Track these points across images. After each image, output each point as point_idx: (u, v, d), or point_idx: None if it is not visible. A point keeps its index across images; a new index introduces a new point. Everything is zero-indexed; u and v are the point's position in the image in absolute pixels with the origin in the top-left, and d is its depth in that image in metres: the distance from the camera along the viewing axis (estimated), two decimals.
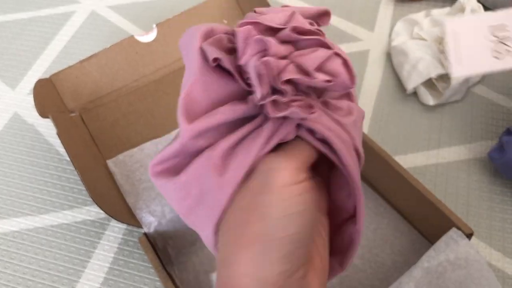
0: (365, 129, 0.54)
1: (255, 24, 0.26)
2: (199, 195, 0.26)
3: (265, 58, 0.24)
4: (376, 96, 0.58)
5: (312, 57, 0.25)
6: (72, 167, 0.54)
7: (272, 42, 0.24)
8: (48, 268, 0.47)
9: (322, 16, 0.29)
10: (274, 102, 0.25)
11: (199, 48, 0.26)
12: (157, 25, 0.59)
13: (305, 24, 0.26)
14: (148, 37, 0.58)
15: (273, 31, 0.26)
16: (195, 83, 0.26)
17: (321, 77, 0.24)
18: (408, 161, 0.51)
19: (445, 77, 0.56)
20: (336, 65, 0.25)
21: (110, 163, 0.50)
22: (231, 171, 0.25)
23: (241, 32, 0.25)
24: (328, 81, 0.25)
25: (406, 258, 0.44)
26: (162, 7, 0.73)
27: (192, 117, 0.25)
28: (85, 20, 0.72)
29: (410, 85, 0.56)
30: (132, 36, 0.57)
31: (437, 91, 0.56)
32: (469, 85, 0.57)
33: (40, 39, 0.70)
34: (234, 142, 0.25)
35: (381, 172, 0.46)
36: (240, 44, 0.25)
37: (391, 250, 0.45)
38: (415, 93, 0.57)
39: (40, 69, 0.66)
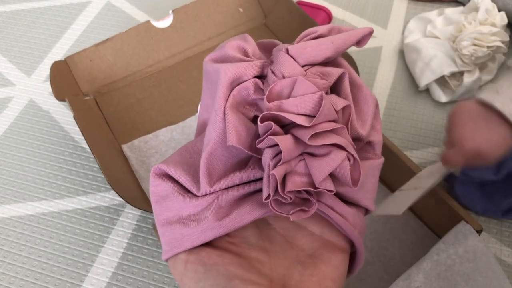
0: None
1: (277, 118, 0.26)
2: (186, 218, 0.28)
3: (273, 171, 0.25)
4: (389, 91, 0.58)
5: (323, 166, 0.25)
6: (86, 154, 0.55)
7: (284, 147, 0.25)
8: (63, 251, 0.48)
9: (367, 36, 0.30)
10: (277, 200, 0.26)
11: (223, 111, 0.27)
12: (173, 11, 0.59)
13: (331, 111, 0.26)
14: (164, 23, 0.58)
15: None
16: (217, 145, 0.27)
17: (323, 186, 0.25)
18: (419, 156, 0.52)
19: (457, 75, 0.57)
20: (343, 171, 0.26)
21: (125, 148, 0.51)
22: (228, 221, 0.27)
23: (261, 127, 0.26)
24: (330, 191, 0.26)
25: (414, 253, 0.45)
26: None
27: (212, 179, 0.27)
28: (100, 11, 0.73)
29: (422, 82, 0.56)
30: (148, 21, 0.58)
31: (449, 88, 0.57)
32: (481, 83, 0.57)
33: (55, 28, 0.71)
34: (245, 193, 0.27)
35: (392, 167, 0.46)
36: (260, 132, 0.26)
37: (400, 245, 0.45)
38: (427, 90, 0.58)
39: (55, 57, 0.67)
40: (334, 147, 0.26)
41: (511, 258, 0.44)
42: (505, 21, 0.57)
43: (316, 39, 0.29)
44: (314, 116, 0.26)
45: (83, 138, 0.56)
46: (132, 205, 0.42)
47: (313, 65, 0.28)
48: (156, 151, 0.51)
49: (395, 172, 0.47)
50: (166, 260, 0.29)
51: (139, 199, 0.44)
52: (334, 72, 0.28)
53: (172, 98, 0.56)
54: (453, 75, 0.57)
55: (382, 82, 0.59)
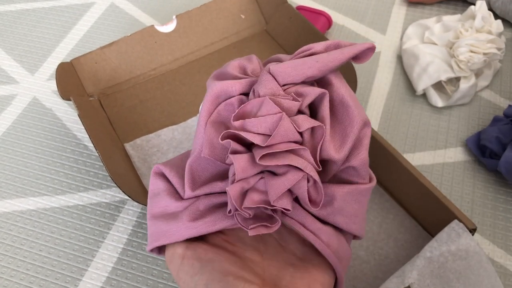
0: (375, 127, 0.56)
1: (239, 136, 0.27)
2: (168, 215, 0.30)
3: (227, 188, 0.26)
4: (387, 96, 0.59)
5: (278, 185, 0.26)
6: (88, 151, 0.56)
7: (238, 165, 0.26)
8: (64, 246, 0.48)
9: (366, 52, 0.30)
10: (240, 214, 0.27)
11: (205, 124, 0.28)
12: (176, 16, 0.60)
13: (290, 131, 0.27)
14: (167, 28, 0.60)
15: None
16: (198, 158, 0.29)
17: (279, 205, 0.26)
18: (415, 159, 0.53)
19: (454, 81, 0.58)
20: (301, 191, 0.26)
21: (127, 146, 0.52)
22: (201, 223, 0.28)
23: (225, 146, 0.27)
24: (286, 209, 0.26)
25: (409, 252, 0.46)
26: (180, 2, 0.75)
27: (195, 185, 0.29)
28: (104, 12, 0.74)
29: (419, 87, 0.57)
30: (152, 26, 0.59)
31: (445, 93, 0.58)
32: (477, 89, 0.58)
33: (59, 28, 0.72)
34: (223, 201, 0.29)
35: (388, 167, 0.47)
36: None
37: (395, 244, 0.46)
38: (424, 95, 0.59)
39: (59, 56, 0.68)
40: (292, 167, 0.26)
41: (503, 259, 0.45)
42: (501, 29, 0.58)
43: (310, 56, 0.30)
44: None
45: (85, 135, 0.57)
46: (133, 200, 0.43)
47: (295, 84, 0.29)
48: (158, 149, 0.52)
49: (391, 173, 0.48)
50: (151, 251, 0.31)
51: (140, 194, 0.45)
52: (312, 92, 0.28)
53: (175, 100, 0.57)
54: (450, 80, 0.58)
55: (380, 87, 0.60)
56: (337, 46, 0.30)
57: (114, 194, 0.52)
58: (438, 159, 0.53)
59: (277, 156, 0.26)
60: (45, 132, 0.58)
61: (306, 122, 0.27)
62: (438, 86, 0.58)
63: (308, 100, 0.28)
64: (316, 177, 0.26)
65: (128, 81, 0.58)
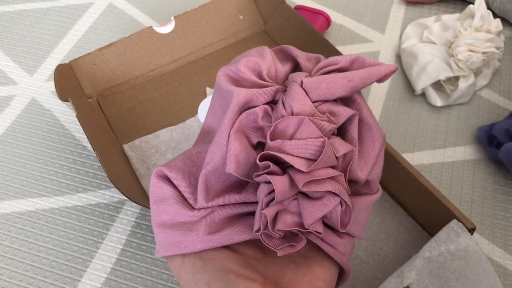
0: None
1: (277, 157, 0.26)
2: (179, 225, 0.29)
3: (264, 211, 0.25)
4: (386, 95, 0.59)
5: (315, 210, 0.26)
6: (87, 152, 0.56)
7: (279, 189, 0.25)
8: (63, 247, 0.48)
9: (387, 75, 0.29)
10: (267, 233, 0.27)
11: (228, 135, 0.27)
12: (175, 17, 0.60)
13: (332, 158, 0.26)
14: (166, 29, 0.60)
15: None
16: (218, 166, 0.28)
17: (313, 228, 0.26)
18: (414, 159, 0.53)
19: (453, 80, 0.58)
20: (334, 215, 0.27)
21: (126, 147, 0.52)
22: (218, 237, 0.27)
23: (260, 166, 0.27)
24: (318, 232, 0.27)
25: (408, 252, 0.46)
26: (178, 2, 0.75)
27: (209, 196, 0.28)
28: (102, 12, 0.74)
29: (418, 86, 0.57)
30: (150, 27, 0.59)
31: (445, 92, 0.58)
32: (476, 88, 0.58)
33: (58, 28, 0.72)
34: (239, 212, 0.28)
35: (387, 167, 0.47)
36: (259, 167, 0.27)
37: (394, 244, 0.46)
38: (423, 94, 0.59)
39: (58, 57, 0.68)
40: (328, 192, 0.26)
41: (502, 259, 0.45)
42: (500, 27, 0.58)
43: (336, 71, 0.29)
44: (313, 160, 0.26)
45: (84, 136, 0.57)
46: (132, 201, 0.43)
47: (325, 101, 0.28)
48: (156, 150, 0.52)
49: (390, 173, 0.48)
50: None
51: (139, 195, 0.45)
52: (344, 113, 0.28)
53: (173, 101, 0.57)
54: (449, 80, 0.58)
55: (379, 86, 0.60)
56: (362, 63, 0.29)
57: (113, 195, 0.52)
58: (437, 158, 0.53)
59: (316, 182, 0.26)
60: (44, 133, 0.58)
61: (342, 147, 0.28)
62: (437, 85, 0.58)
63: (340, 121, 0.29)
64: (349, 202, 0.27)
65: (126, 82, 0.58)
